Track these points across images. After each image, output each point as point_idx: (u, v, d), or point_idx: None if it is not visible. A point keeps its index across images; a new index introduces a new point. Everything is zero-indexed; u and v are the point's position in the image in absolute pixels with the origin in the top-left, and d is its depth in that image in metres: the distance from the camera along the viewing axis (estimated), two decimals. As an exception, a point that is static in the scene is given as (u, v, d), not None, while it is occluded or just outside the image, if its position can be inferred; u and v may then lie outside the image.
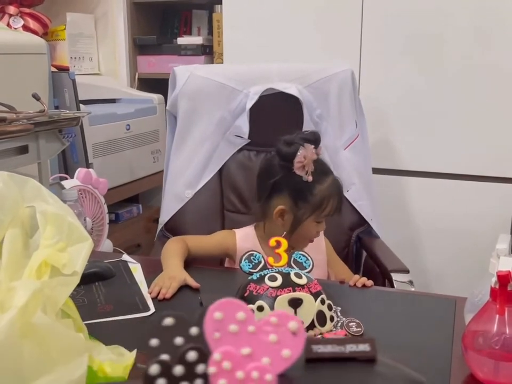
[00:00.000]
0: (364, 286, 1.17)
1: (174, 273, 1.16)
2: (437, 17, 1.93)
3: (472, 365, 0.82)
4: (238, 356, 0.40)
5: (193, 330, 0.43)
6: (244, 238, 1.37)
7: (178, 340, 0.42)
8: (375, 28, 2.01)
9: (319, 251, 1.39)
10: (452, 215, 2.02)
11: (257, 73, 1.69)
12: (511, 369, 0.79)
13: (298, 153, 1.24)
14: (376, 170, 1.82)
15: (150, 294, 1.11)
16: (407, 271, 1.37)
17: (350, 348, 0.50)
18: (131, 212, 2.39)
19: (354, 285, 1.18)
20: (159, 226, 1.68)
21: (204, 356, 0.40)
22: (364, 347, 0.51)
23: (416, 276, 1.89)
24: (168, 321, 0.43)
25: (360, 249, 1.67)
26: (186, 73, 1.68)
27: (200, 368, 0.40)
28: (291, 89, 1.62)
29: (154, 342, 0.43)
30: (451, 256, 2.02)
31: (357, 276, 1.21)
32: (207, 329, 0.42)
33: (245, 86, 1.64)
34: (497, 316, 0.78)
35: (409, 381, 0.54)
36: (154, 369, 0.41)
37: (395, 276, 1.35)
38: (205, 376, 0.40)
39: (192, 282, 1.15)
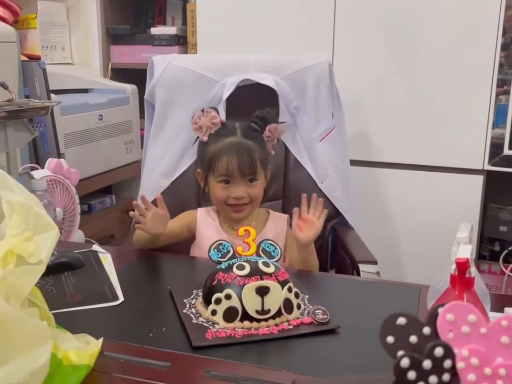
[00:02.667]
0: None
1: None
2: (411, 8, 1.95)
3: (432, 350, 0.84)
4: (484, 355, 0.41)
5: (426, 330, 0.45)
6: (204, 213, 1.42)
7: (413, 338, 0.44)
8: (348, 19, 2.03)
9: (278, 236, 1.39)
10: (425, 206, 2.06)
11: (234, 64, 1.69)
12: (469, 354, 0.82)
13: (194, 116, 1.34)
14: (352, 162, 1.85)
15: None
16: (375, 262, 1.39)
17: None
18: (104, 202, 2.38)
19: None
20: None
21: (450, 352, 0.42)
22: None
23: (390, 266, 1.93)
24: (401, 320, 0.46)
25: (335, 240, 1.69)
26: (164, 63, 1.68)
27: (447, 363, 0.42)
28: (267, 80, 1.63)
29: (390, 339, 0.46)
30: (424, 245, 2.05)
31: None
32: (441, 329, 0.44)
33: (221, 76, 1.65)
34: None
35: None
36: (405, 362, 0.43)
37: (362, 267, 1.37)
38: (451, 371, 0.41)
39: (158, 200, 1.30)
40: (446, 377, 0.40)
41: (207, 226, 1.39)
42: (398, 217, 2.09)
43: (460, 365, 0.41)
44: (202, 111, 1.35)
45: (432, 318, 0.44)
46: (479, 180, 1.99)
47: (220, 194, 1.33)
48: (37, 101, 1.41)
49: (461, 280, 0.79)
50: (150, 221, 1.28)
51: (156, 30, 2.58)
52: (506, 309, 0.97)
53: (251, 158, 1.31)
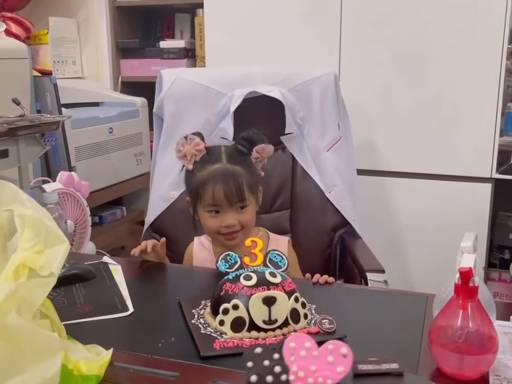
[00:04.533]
0: (326, 282, 1.20)
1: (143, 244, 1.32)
2: (417, 17, 1.97)
3: (438, 359, 0.85)
4: (308, 369, 0.58)
5: (276, 356, 0.59)
6: (198, 243, 1.41)
7: (266, 362, 0.59)
8: (354, 31, 2.04)
9: None
10: (432, 214, 2.06)
11: (240, 76, 1.72)
12: (475, 362, 0.82)
13: (177, 144, 1.31)
14: (360, 171, 1.86)
15: (132, 254, 1.29)
16: (382, 271, 1.40)
17: (385, 366, 0.66)
18: (115, 214, 2.40)
19: (318, 282, 1.21)
20: (145, 227, 1.71)
21: (286, 369, 0.59)
22: (394, 365, 0.66)
23: (398, 275, 1.93)
24: (258, 350, 0.60)
25: (344, 249, 1.70)
26: (172, 76, 1.70)
27: (283, 377, 0.58)
28: (274, 93, 1.64)
29: (249, 364, 0.59)
30: (432, 254, 2.06)
31: (317, 275, 1.23)
32: (285, 354, 0.59)
33: (229, 89, 1.67)
34: (460, 311, 0.81)
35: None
36: (253, 378, 0.58)
37: (370, 276, 1.37)
38: (286, 382, 0.58)
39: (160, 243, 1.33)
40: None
41: (201, 259, 1.39)
42: (406, 226, 2.10)
43: (290, 377, 0.58)
44: (186, 137, 1.31)
45: (280, 346, 0.59)
46: (487, 188, 1.99)
47: (210, 224, 1.29)
48: (48, 116, 1.45)
49: (464, 289, 0.80)
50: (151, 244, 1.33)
51: (164, 44, 2.62)
52: (512, 317, 0.97)
53: (238, 185, 1.26)
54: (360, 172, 1.87)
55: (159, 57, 2.59)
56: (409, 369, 0.85)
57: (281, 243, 1.40)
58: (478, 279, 0.82)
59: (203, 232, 1.40)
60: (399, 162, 2.09)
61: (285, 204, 1.68)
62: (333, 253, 1.69)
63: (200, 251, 1.40)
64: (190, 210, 1.37)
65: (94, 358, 0.80)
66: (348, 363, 0.59)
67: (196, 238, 1.44)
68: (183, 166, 1.35)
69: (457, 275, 0.81)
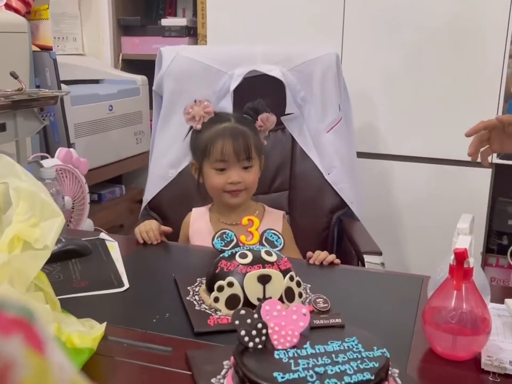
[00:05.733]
0: (332, 263, 1.20)
1: (148, 226, 1.31)
2: (421, 5, 1.95)
3: (431, 339, 0.85)
4: (280, 324, 0.74)
5: (255, 316, 0.74)
6: (197, 216, 1.42)
7: (249, 320, 0.74)
8: (358, 12, 2.02)
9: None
10: (432, 199, 2.06)
11: (241, 55, 1.70)
12: (467, 343, 0.82)
13: (186, 106, 1.33)
14: (360, 154, 1.85)
15: (141, 242, 1.29)
16: (379, 253, 1.40)
17: (332, 321, 0.81)
18: (114, 192, 2.40)
19: (314, 262, 1.20)
20: (143, 205, 1.70)
21: (265, 325, 0.74)
22: (338, 320, 0.81)
23: (396, 258, 1.93)
24: (243, 311, 0.74)
25: (341, 231, 1.70)
26: (172, 54, 1.69)
27: (263, 331, 0.73)
28: (275, 72, 1.63)
29: (237, 322, 0.74)
30: (430, 238, 2.05)
31: (318, 252, 1.22)
32: (262, 314, 0.74)
33: (229, 67, 1.66)
34: (454, 292, 0.81)
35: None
36: (242, 332, 0.73)
37: (367, 258, 1.37)
38: (266, 335, 0.73)
39: (165, 228, 1.33)
40: (263, 338, 0.73)
41: (196, 228, 1.39)
42: (404, 209, 2.09)
43: (269, 331, 0.73)
44: (195, 101, 1.35)
45: (259, 309, 0.74)
46: (488, 173, 1.98)
47: (216, 182, 1.32)
48: (47, 90, 1.43)
49: (459, 270, 0.80)
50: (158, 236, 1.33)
51: (166, 21, 2.59)
52: (506, 300, 0.97)
53: (246, 142, 1.30)
54: (360, 155, 1.86)
55: (161, 35, 2.57)
56: (401, 349, 0.86)
57: (276, 216, 1.41)
58: (473, 261, 0.82)
59: (205, 200, 1.43)
60: (399, 146, 2.08)
61: (283, 185, 1.68)
62: (331, 235, 1.69)
63: (197, 220, 1.41)
64: (194, 174, 1.39)
65: (88, 332, 0.80)
66: (307, 319, 0.75)
67: (194, 209, 1.45)
68: (190, 130, 1.38)
69: (452, 256, 0.80)
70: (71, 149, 1.70)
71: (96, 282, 1.08)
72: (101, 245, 1.28)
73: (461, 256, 0.78)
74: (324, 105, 1.68)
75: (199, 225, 1.39)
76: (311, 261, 1.21)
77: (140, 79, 2.41)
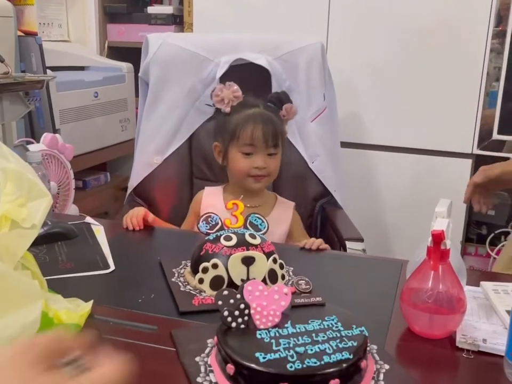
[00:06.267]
0: (318, 249, 1.22)
1: (134, 212, 1.33)
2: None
3: (408, 319, 0.88)
4: (262, 304, 0.76)
5: (238, 296, 0.76)
6: (210, 193, 1.45)
7: (232, 301, 0.76)
8: (343, 1, 2.04)
9: (283, 221, 1.42)
10: (413, 188, 2.09)
11: (228, 43, 1.71)
12: (443, 322, 0.85)
13: (215, 89, 1.36)
14: (344, 144, 1.87)
15: (125, 227, 1.30)
16: (361, 240, 1.43)
17: (312, 299, 0.85)
18: (99, 179, 2.40)
19: (310, 248, 1.23)
20: (128, 191, 1.71)
21: (247, 305, 0.76)
22: (319, 298, 0.85)
23: (378, 245, 1.96)
24: (225, 292, 0.77)
25: (324, 219, 1.73)
26: (159, 41, 1.70)
27: (246, 311, 0.75)
28: (261, 60, 1.65)
29: (220, 302, 0.76)
30: (410, 226, 2.09)
31: (313, 239, 1.25)
32: (245, 295, 0.76)
33: (215, 55, 1.67)
34: (431, 273, 0.84)
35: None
36: (225, 312, 0.75)
37: (349, 244, 1.40)
38: (248, 315, 0.75)
39: (150, 216, 1.32)
40: (246, 318, 0.75)
41: (210, 205, 1.40)
42: (387, 198, 2.13)
43: (252, 311, 0.75)
44: (225, 84, 1.37)
45: (241, 289, 0.76)
46: (468, 163, 2.02)
47: (242, 165, 1.34)
48: (33, 75, 1.43)
49: (436, 251, 0.82)
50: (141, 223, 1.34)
51: (152, 9, 2.59)
52: (482, 283, 1.00)
53: (275, 129, 1.33)
54: (344, 144, 1.88)
55: (147, 23, 2.57)
56: (380, 328, 0.88)
57: (287, 208, 1.45)
58: (450, 243, 0.85)
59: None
60: (382, 136, 2.11)
61: (268, 173, 1.70)
62: (314, 222, 1.71)
63: (210, 196, 1.44)
64: (217, 156, 1.41)
65: (75, 309, 0.82)
66: (288, 299, 0.77)
67: (207, 187, 1.47)
68: (215, 111, 1.40)
69: (430, 238, 0.83)
70: (56, 135, 1.70)
71: (82, 264, 1.10)
72: (87, 229, 1.30)
73: (438, 238, 0.81)
74: (309, 94, 1.70)
75: (212, 201, 1.41)
76: (306, 246, 1.22)
77: (126, 66, 2.41)
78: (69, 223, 1.30)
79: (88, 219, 1.35)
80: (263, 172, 1.34)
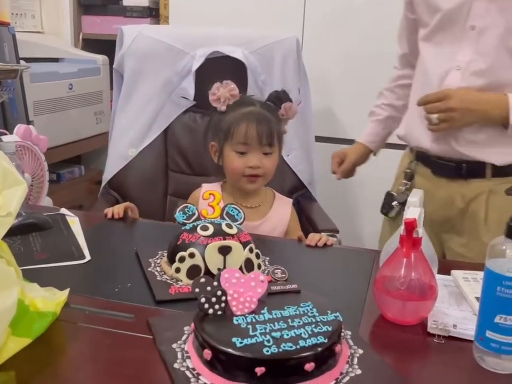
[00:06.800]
0: (325, 245, 1.21)
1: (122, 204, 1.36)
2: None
3: (382, 306, 0.90)
4: (239, 291, 0.77)
5: (215, 283, 0.77)
6: (208, 189, 1.40)
7: (209, 288, 0.77)
8: (318, 1, 2.06)
9: (282, 219, 1.41)
10: (386, 181, 2.12)
11: (204, 36, 1.71)
12: (415, 308, 0.88)
13: (213, 87, 1.32)
14: (318, 138, 1.89)
15: (105, 215, 1.32)
16: (336, 231, 1.45)
17: (288, 286, 0.86)
18: (73, 172, 2.38)
19: (316, 245, 1.21)
20: (103, 183, 1.71)
21: (224, 292, 0.77)
22: (294, 286, 0.86)
23: (352, 237, 1.98)
24: (203, 279, 0.78)
25: (300, 212, 1.74)
26: (134, 33, 1.69)
27: (223, 298, 0.76)
28: (237, 53, 1.65)
29: (197, 290, 0.77)
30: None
31: (316, 235, 1.23)
32: (222, 282, 0.77)
33: (191, 48, 1.67)
34: (404, 260, 0.86)
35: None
36: (203, 300, 0.76)
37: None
38: (225, 301, 0.77)
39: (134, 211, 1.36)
40: (223, 305, 0.77)
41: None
42: (360, 191, 2.15)
43: (228, 298, 0.76)
44: (221, 82, 1.34)
45: (218, 277, 0.77)
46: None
47: (236, 164, 1.31)
48: (6, 64, 1.42)
49: (408, 239, 0.84)
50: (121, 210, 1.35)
51: (128, 1, 2.57)
52: (453, 271, 1.03)
53: (269, 128, 1.30)
54: (319, 139, 1.90)
55: (122, 15, 2.55)
56: (354, 315, 0.90)
57: (285, 206, 1.43)
58: (421, 231, 0.87)
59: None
60: (356, 131, 2.13)
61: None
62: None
63: None
64: (214, 156, 1.38)
65: (51, 297, 0.81)
66: (264, 286, 0.78)
67: (204, 184, 1.43)
68: (214, 109, 1.35)
69: (403, 226, 0.85)
70: (30, 126, 1.68)
71: (57, 255, 1.09)
72: (62, 220, 1.29)
73: (410, 226, 0.83)
74: (284, 88, 1.71)
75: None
76: (312, 243, 1.21)
77: (101, 58, 2.39)
78: (44, 214, 1.29)
79: (63, 210, 1.34)
80: (257, 172, 1.31)
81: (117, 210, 1.32)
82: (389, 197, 1.43)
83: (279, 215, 1.40)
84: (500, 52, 1.19)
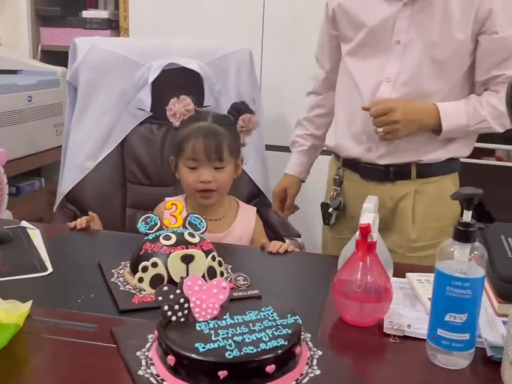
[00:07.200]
0: (286, 251, 1.24)
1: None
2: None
3: (340, 309, 0.93)
4: (202, 298, 0.79)
5: (178, 291, 0.79)
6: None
7: (171, 296, 0.79)
8: (276, 12, 2.10)
9: (247, 228, 1.43)
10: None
11: (160, 48, 1.73)
12: (372, 310, 0.91)
13: (170, 102, 1.35)
14: (270, 147, 1.91)
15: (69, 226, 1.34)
16: (298, 235, 1.49)
17: (249, 292, 0.89)
18: (33, 185, 2.35)
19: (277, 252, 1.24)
20: (59, 197, 1.69)
21: (187, 299, 0.79)
22: (256, 291, 0.89)
23: (313, 240, 2.01)
24: (165, 288, 0.80)
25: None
26: (88, 45, 1.69)
27: (186, 305, 0.78)
28: (192, 65, 1.67)
29: (160, 298, 0.79)
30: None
31: (277, 243, 1.27)
32: (185, 290, 0.79)
33: (147, 59, 1.68)
34: (360, 264, 0.90)
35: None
36: (166, 307, 0.78)
37: (287, 241, 1.45)
38: (188, 308, 0.78)
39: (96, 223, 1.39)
40: (186, 312, 0.78)
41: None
42: (314, 198, 2.17)
43: (191, 305, 0.78)
44: (178, 98, 1.35)
45: (181, 285, 0.80)
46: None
47: (188, 179, 1.33)
48: (-36, 77, 1.40)
49: (363, 243, 0.88)
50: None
51: (87, 13, 2.56)
52: (407, 274, 1.07)
53: (218, 143, 1.31)
54: (270, 148, 1.93)
55: (82, 27, 2.54)
56: (314, 319, 0.93)
57: (249, 215, 1.45)
58: (376, 236, 0.91)
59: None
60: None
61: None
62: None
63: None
64: (173, 170, 1.40)
65: (13, 309, 0.82)
66: (226, 292, 0.81)
67: (167, 198, 1.39)
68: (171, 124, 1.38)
69: (358, 231, 0.89)
70: (-12, 139, 1.67)
71: (18, 268, 1.09)
72: (23, 233, 1.28)
73: (365, 230, 0.86)
74: (239, 98, 1.74)
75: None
76: (273, 250, 1.24)
77: (60, 70, 2.37)
78: (4, 227, 1.28)
79: (24, 223, 1.33)
80: (209, 186, 1.32)
81: (79, 221, 1.33)
82: (324, 207, 1.49)
83: (244, 225, 1.41)
84: (423, 63, 1.30)
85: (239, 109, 1.39)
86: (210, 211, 1.36)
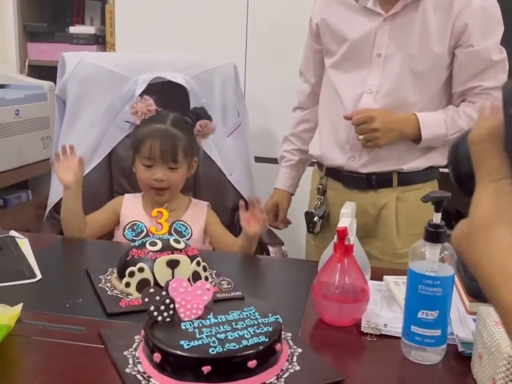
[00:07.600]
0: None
1: None
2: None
3: (320, 310, 0.97)
4: (187, 299, 0.82)
5: (163, 293, 0.82)
6: (130, 197, 1.50)
7: (157, 297, 0.82)
8: (259, 25, 2.16)
9: (197, 221, 1.47)
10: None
11: (146, 62, 1.77)
12: (350, 310, 0.95)
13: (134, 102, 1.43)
14: (257, 159, 1.96)
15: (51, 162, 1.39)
16: (281, 244, 1.53)
17: (233, 294, 0.92)
18: (20, 197, 2.37)
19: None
20: (48, 208, 1.72)
21: (172, 300, 0.82)
22: (239, 293, 0.92)
23: (296, 248, 2.05)
24: (151, 290, 0.83)
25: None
26: (76, 59, 1.73)
27: (171, 306, 0.81)
28: (178, 79, 1.72)
29: (146, 299, 0.82)
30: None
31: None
32: (170, 291, 0.82)
33: (134, 73, 1.72)
34: (338, 266, 0.94)
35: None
36: (152, 308, 0.81)
37: (271, 248, 1.50)
38: (174, 309, 0.82)
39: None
40: (171, 312, 0.81)
41: (130, 209, 1.46)
42: (298, 207, 2.22)
43: (176, 305, 0.82)
44: (141, 96, 1.43)
45: (166, 286, 0.83)
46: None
47: (143, 176, 1.41)
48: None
49: (341, 246, 0.92)
50: (62, 166, 1.40)
51: (74, 29, 2.61)
52: (385, 277, 1.12)
53: (174, 145, 1.38)
54: (258, 159, 1.97)
55: (69, 42, 2.58)
56: (294, 320, 0.97)
57: (200, 206, 1.51)
58: (353, 239, 0.95)
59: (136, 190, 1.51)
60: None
61: (188, 186, 1.76)
62: (234, 230, 1.79)
63: (130, 203, 1.48)
64: (132, 165, 1.47)
65: (4, 312, 0.84)
66: (210, 294, 0.85)
67: (126, 194, 1.52)
68: (131, 124, 1.46)
69: (336, 235, 0.93)
70: (-24, 151, 1.69)
71: (7, 275, 1.11)
72: (11, 242, 1.31)
73: (342, 234, 0.91)
74: (224, 111, 1.79)
75: (133, 208, 1.46)
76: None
77: (48, 84, 2.41)
78: (-7, 236, 1.31)
79: (13, 232, 1.36)
80: (162, 185, 1.40)
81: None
82: (309, 216, 1.52)
83: (194, 218, 1.45)
84: (403, 75, 1.35)
85: (198, 114, 1.48)
86: (162, 205, 1.40)
